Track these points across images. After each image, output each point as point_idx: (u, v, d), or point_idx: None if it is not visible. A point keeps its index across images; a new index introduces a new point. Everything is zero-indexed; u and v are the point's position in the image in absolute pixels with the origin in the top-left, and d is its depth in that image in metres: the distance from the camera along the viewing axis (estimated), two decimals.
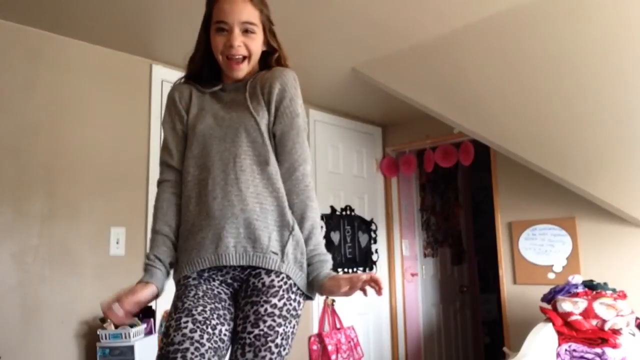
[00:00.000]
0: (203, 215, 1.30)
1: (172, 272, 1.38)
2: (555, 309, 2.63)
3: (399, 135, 4.21)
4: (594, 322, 2.50)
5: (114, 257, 2.55)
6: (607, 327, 2.46)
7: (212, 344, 1.20)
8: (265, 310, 1.23)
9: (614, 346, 2.39)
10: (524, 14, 2.27)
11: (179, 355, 1.15)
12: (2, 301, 2.19)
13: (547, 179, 3.00)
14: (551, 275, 3.25)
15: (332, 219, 3.74)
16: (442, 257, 4.59)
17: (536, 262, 3.33)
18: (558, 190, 3.16)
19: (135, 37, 2.56)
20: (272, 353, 1.20)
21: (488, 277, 5.27)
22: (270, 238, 1.29)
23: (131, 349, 2.21)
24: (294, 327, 1.27)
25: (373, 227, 4.06)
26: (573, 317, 2.53)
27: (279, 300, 1.25)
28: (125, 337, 2.22)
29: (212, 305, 1.26)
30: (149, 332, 2.39)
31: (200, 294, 1.27)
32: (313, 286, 1.32)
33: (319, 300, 3.51)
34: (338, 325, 3.58)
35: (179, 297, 1.28)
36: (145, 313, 2.42)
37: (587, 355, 2.42)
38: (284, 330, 1.23)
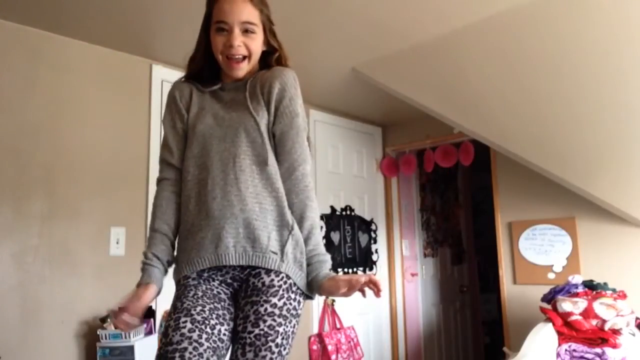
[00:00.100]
0: (202, 215, 1.30)
1: (170, 270, 1.38)
2: (555, 309, 2.63)
3: (399, 135, 4.21)
4: (594, 322, 2.50)
5: (114, 257, 2.55)
6: (607, 327, 2.46)
7: (210, 343, 1.20)
8: (265, 309, 1.23)
9: (614, 346, 2.39)
10: (524, 14, 2.27)
11: (177, 354, 1.16)
12: (2, 301, 2.19)
13: (547, 179, 3.00)
14: (551, 275, 3.25)
15: (332, 219, 3.74)
16: (442, 257, 4.59)
17: (536, 262, 3.33)
18: (558, 190, 3.16)
19: (135, 37, 2.56)
20: (273, 352, 1.20)
21: (488, 277, 5.27)
22: (269, 238, 1.29)
23: (131, 349, 2.21)
24: (294, 327, 1.27)
25: (373, 227, 4.06)
26: (573, 317, 2.53)
27: (279, 300, 1.25)
28: (125, 337, 2.22)
29: (211, 305, 1.26)
30: (149, 332, 2.39)
31: (200, 294, 1.27)
32: (312, 286, 1.32)
33: (319, 300, 3.51)
34: (338, 325, 3.58)
35: (178, 297, 1.28)
36: (145, 313, 2.41)
37: (587, 355, 2.42)
38: (284, 329, 1.23)
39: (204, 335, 1.20)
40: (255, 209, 1.29)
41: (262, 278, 1.27)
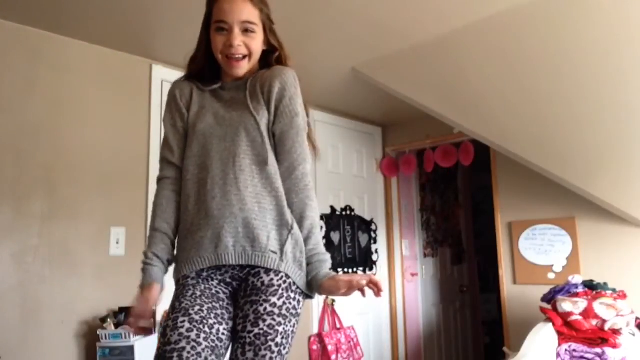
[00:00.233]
0: (202, 215, 1.30)
1: (170, 269, 1.38)
2: (555, 309, 2.63)
3: (399, 135, 4.21)
4: (594, 322, 2.50)
5: (114, 257, 2.55)
6: (607, 327, 2.46)
7: (209, 343, 1.20)
8: (265, 309, 1.23)
9: (614, 346, 2.39)
10: (524, 14, 2.27)
11: (175, 354, 1.15)
12: (2, 301, 2.19)
13: (547, 179, 2.99)
14: (551, 275, 3.25)
15: (332, 219, 3.74)
16: (442, 257, 4.59)
17: (536, 262, 3.33)
18: (558, 190, 3.16)
19: (135, 37, 2.56)
20: (273, 352, 1.20)
21: (488, 277, 5.27)
22: (269, 237, 1.29)
23: (131, 349, 2.21)
24: (294, 326, 1.27)
25: (373, 227, 4.06)
26: (573, 317, 2.53)
27: (279, 299, 1.25)
28: (125, 337, 2.22)
29: (210, 305, 1.26)
30: (149, 332, 2.39)
31: (198, 293, 1.27)
32: (312, 285, 1.32)
33: (319, 300, 3.51)
34: (338, 325, 3.58)
35: (176, 297, 1.28)
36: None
37: (587, 355, 2.42)
38: (284, 329, 1.23)
39: (202, 335, 1.20)
40: (255, 208, 1.29)
41: (261, 277, 1.27)
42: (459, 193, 4.90)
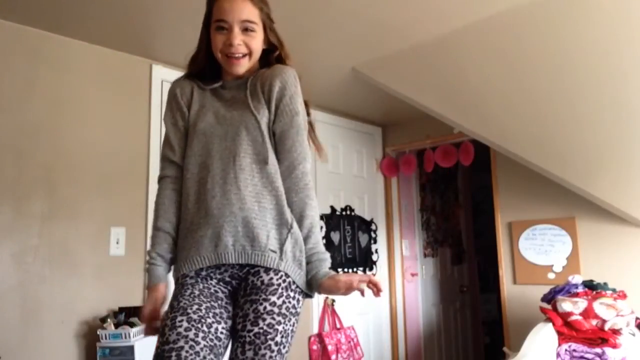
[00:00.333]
0: (202, 214, 1.31)
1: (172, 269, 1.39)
2: (555, 309, 2.63)
3: (399, 135, 4.21)
4: (594, 322, 2.50)
5: (114, 257, 2.55)
6: (607, 327, 2.46)
7: (207, 342, 1.20)
8: (265, 308, 1.23)
9: (614, 346, 2.39)
10: (524, 14, 2.27)
11: (174, 354, 1.15)
12: (2, 301, 2.19)
13: (547, 179, 2.99)
14: (551, 275, 3.25)
15: (332, 219, 3.74)
16: (442, 257, 4.59)
17: (536, 262, 3.33)
18: (558, 190, 3.16)
19: (135, 37, 2.56)
20: (272, 351, 1.20)
21: (488, 277, 5.27)
22: (268, 236, 1.29)
23: (131, 349, 2.21)
24: (293, 325, 1.27)
25: (373, 227, 4.06)
26: (573, 317, 2.53)
27: (278, 298, 1.25)
28: (125, 337, 2.22)
29: (208, 304, 1.26)
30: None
31: (197, 292, 1.27)
32: (312, 284, 1.32)
33: (319, 300, 3.51)
34: (338, 325, 3.58)
35: (175, 297, 1.29)
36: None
37: (587, 355, 2.42)
38: (283, 328, 1.23)
39: (200, 334, 1.20)
40: (254, 207, 1.29)
41: (261, 276, 1.27)
42: (459, 193, 4.90)
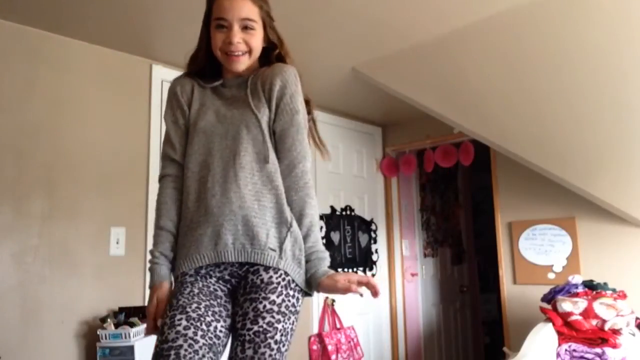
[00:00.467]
0: (202, 212, 1.31)
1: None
2: (555, 309, 2.63)
3: (399, 135, 4.21)
4: (594, 322, 2.50)
5: (114, 257, 2.55)
6: (607, 327, 2.46)
7: (206, 340, 1.20)
8: (264, 306, 1.23)
9: (614, 346, 2.39)
10: (524, 14, 2.27)
11: (173, 352, 1.15)
12: (2, 301, 2.19)
13: (547, 179, 2.99)
14: (551, 275, 3.25)
15: (332, 219, 3.74)
16: (442, 257, 4.59)
17: (536, 262, 3.33)
18: (558, 190, 3.16)
19: (135, 37, 2.56)
20: (272, 349, 1.20)
21: (488, 277, 5.27)
22: (268, 235, 1.29)
23: (131, 349, 2.21)
24: (293, 324, 1.27)
25: (373, 227, 4.06)
26: (573, 317, 2.52)
27: (278, 297, 1.25)
28: (125, 337, 2.22)
29: (207, 303, 1.26)
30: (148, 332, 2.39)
31: (196, 291, 1.27)
32: (311, 283, 1.32)
33: (319, 300, 3.51)
34: (338, 325, 3.57)
35: (174, 295, 1.28)
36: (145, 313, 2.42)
37: (587, 355, 2.42)
38: (283, 326, 1.23)
39: (200, 333, 1.20)
40: (254, 206, 1.29)
41: (260, 275, 1.27)
42: (459, 193, 4.90)
